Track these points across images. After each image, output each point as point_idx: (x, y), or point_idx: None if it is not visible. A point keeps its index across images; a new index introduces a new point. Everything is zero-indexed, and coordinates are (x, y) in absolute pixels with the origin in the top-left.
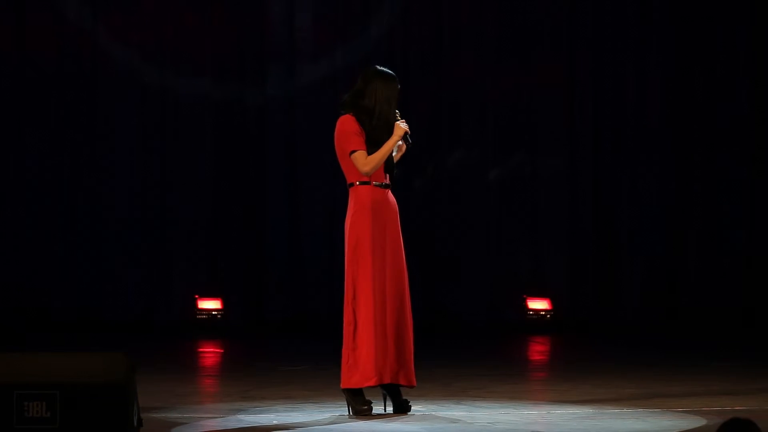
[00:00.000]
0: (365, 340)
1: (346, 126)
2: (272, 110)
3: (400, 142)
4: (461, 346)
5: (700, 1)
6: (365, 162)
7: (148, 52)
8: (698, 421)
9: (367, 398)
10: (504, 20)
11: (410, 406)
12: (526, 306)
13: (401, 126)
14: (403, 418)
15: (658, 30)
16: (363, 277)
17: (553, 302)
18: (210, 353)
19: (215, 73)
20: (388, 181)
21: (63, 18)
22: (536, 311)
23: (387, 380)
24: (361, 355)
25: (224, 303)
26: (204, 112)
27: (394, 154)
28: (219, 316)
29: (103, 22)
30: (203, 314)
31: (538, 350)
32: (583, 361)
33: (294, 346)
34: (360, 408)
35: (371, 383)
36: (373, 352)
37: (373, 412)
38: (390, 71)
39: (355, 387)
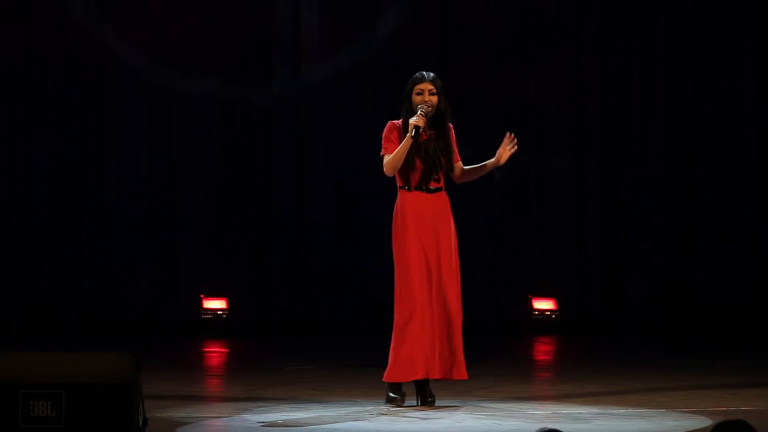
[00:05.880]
0: (396, 340)
1: (384, 131)
2: (278, 110)
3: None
4: (466, 346)
5: (707, 0)
6: (384, 165)
7: (155, 52)
8: (704, 422)
9: (402, 391)
10: (510, 19)
11: (431, 400)
12: (531, 306)
13: (410, 121)
14: (411, 418)
15: (663, 29)
16: (402, 280)
17: (558, 302)
18: (215, 353)
19: (221, 72)
20: (431, 185)
21: (69, 18)
22: (542, 311)
23: (419, 376)
24: (393, 353)
25: (230, 303)
26: (210, 111)
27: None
28: (224, 316)
29: (110, 22)
30: (209, 314)
31: (543, 350)
32: (589, 361)
33: (299, 345)
34: (390, 396)
35: (393, 379)
36: (401, 352)
37: (404, 404)
38: (419, 72)
39: (385, 381)
